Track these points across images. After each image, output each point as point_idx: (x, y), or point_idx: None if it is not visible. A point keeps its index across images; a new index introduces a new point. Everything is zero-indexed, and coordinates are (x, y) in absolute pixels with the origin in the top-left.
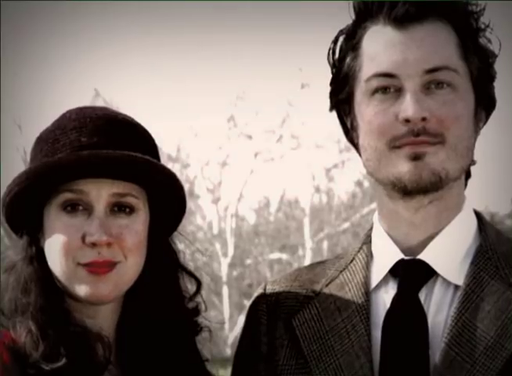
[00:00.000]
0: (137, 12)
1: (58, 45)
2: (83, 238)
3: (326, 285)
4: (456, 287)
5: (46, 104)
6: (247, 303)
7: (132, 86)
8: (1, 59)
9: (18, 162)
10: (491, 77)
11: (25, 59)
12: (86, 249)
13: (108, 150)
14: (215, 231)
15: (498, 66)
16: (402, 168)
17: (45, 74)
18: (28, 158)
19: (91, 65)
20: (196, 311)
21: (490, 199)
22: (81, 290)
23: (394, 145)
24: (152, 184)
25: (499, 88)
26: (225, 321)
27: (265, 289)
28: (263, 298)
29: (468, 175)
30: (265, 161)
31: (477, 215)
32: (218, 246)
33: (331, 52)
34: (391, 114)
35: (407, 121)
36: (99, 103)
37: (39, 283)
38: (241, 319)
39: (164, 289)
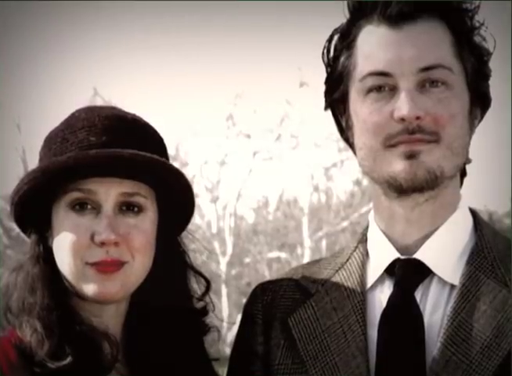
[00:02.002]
0: (136, 12)
1: (57, 44)
2: (91, 237)
3: (322, 284)
4: (452, 286)
5: (45, 103)
6: None
7: (131, 85)
8: None
9: (17, 161)
10: (486, 75)
11: (24, 57)
12: (94, 248)
13: (116, 149)
14: (214, 230)
15: (493, 64)
16: (396, 166)
17: (43, 73)
18: (27, 157)
19: (89, 64)
20: (205, 311)
21: (489, 198)
22: (89, 289)
23: (389, 143)
24: (160, 183)
25: (496, 85)
26: (224, 320)
27: (260, 288)
28: (259, 297)
29: (464, 173)
30: (264, 160)
31: (473, 213)
32: (216, 245)
33: (326, 50)
34: (385, 113)
35: (402, 119)
36: (98, 103)
37: (45, 282)
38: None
39: (173, 289)
